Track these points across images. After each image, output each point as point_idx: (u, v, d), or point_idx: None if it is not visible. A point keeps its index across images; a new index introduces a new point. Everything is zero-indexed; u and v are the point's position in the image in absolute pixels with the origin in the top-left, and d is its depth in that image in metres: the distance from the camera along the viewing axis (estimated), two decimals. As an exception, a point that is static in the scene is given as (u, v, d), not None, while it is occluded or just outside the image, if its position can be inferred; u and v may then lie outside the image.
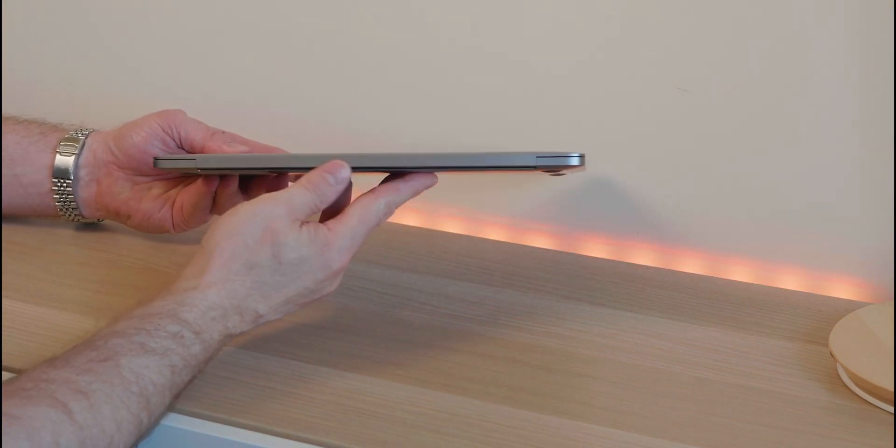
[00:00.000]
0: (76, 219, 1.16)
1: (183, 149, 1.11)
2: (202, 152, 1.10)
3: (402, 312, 1.09)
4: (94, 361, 0.87)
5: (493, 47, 1.18)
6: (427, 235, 1.23)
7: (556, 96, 1.18)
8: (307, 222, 0.97)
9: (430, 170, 1.01)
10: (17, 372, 0.92)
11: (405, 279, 1.14)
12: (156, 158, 1.07)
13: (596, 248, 1.21)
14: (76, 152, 1.13)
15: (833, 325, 1.04)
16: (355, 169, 1.00)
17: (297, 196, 0.97)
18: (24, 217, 1.18)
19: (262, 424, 0.93)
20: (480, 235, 1.24)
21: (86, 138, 1.14)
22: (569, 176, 1.19)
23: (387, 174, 1.02)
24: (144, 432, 0.89)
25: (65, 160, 1.13)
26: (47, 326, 1.03)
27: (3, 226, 1.17)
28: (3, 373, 0.97)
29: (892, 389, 0.95)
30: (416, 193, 1.01)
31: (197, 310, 0.93)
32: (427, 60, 1.21)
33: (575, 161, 0.99)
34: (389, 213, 1.00)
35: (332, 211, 1.02)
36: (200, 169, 1.05)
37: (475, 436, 0.92)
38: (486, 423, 0.94)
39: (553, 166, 1.00)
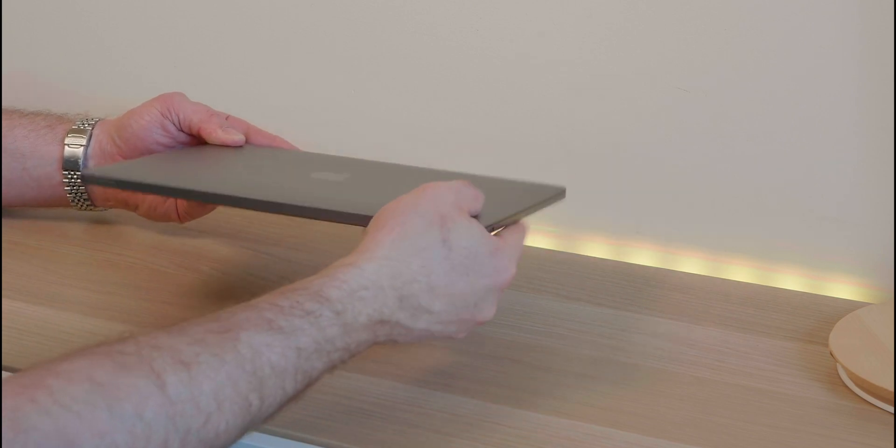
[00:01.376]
0: (87, 208, 1.17)
1: (183, 132, 1.11)
2: (198, 134, 1.10)
3: (402, 312, 1.09)
4: (211, 332, 0.79)
5: (493, 47, 1.18)
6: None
7: (556, 96, 1.18)
8: (476, 222, 0.91)
9: None
10: (17, 372, 0.92)
11: (405, 279, 1.14)
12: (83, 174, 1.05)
13: (596, 248, 1.21)
14: (84, 144, 1.14)
15: (833, 325, 1.04)
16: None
17: (465, 188, 0.92)
18: (35, 208, 1.18)
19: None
20: (480, 235, 1.24)
21: (92, 128, 1.14)
22: (568, 176, 1.19)
23: None
24: (256, 418, 0.79)
25: (74, 152, 1.14)
26: (47, 326, 1.03)
27: (4, 226, 1.17)
28: (4, 373, 0.97)
29: (892, 389, 0.95)
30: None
31: (347, 286, 0.84)
32: (427, 60, 1.21)
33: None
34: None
35: None
36: (115, 181, 1.01)
37: (475, 436, 0.92)
38: (486, 423, 0.94)
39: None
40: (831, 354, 1.00)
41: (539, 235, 1.22)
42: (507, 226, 0.95)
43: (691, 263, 1.19)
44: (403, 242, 0.87)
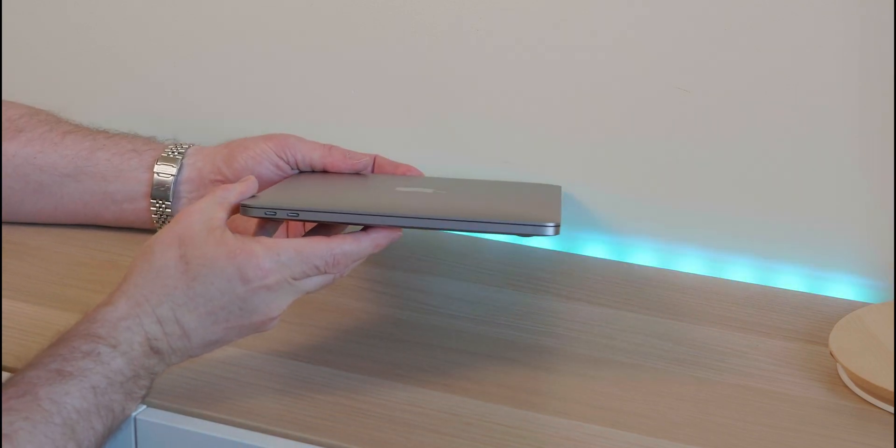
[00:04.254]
0: None
1: (297, 169, 1.11)
2: (323, 169, 1.10)
3: (402, 312, 1.09)
4: (13, 398, 0.85)
5: (493, 47, 1.18)
6: (427, 235, 1.23)
7: (555, 96, 1.18)
8: (223, 227, 0.93)
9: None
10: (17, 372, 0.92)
11: (405, 279, 1.14)
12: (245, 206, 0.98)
13: (596, 249, 1.21)
14: (174, 174, 1.13)
15: (833, 325, 1.04)
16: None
17: (222, 191, 0.95)
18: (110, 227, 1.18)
19: (262, 424, 0.93)
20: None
21: (183, 158, 1.14)
22: (568, 175, 1.19)
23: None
24: None
25: (164, 181, 1.13)
26: (47, 326, 1.03)
27: (4, 226, 1.17)
28: (3, 373, 0.97)
29: (892, 389, 0.95)
30: (379, 248, 0.96)
31: (108, 323, 0.90)
32: (427, 59, 1.21)
33: (550, 231, 0.97)
34: (338, 263, 0.93)
35: None
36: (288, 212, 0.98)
37: (475, 436, 0.92)
38: (486, 423, 0.94)
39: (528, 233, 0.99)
40: (831, 354, 1.00)
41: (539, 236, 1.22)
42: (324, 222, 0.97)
43: (691, 263, 1.19)
44: (146, 270, 0.92)
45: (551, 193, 1.12)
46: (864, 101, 1.09)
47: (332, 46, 1.24)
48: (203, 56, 1.29)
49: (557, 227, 0.96)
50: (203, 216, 0.93)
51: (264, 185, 1.09)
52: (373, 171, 1.13)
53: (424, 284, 1.14)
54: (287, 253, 0.92)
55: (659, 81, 1.14)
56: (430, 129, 1.23)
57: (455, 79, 1.21)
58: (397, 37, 1.21)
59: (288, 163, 1.11)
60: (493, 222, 0.96)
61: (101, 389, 0.88)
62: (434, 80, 1.22)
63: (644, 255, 1.20)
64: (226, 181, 1.12)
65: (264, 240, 0.93)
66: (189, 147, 1.15)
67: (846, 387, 0.99)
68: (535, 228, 0.96)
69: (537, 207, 1.05)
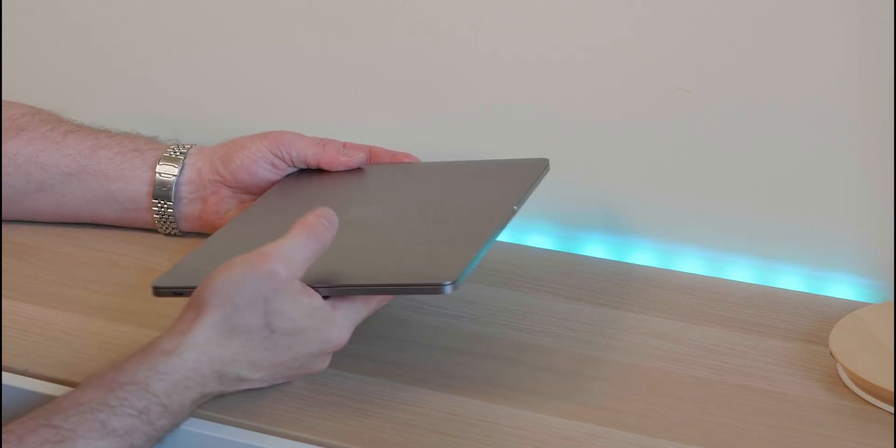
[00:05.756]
0: (173, 233, 1.16)
1: (292, 166, 1.12)
2: (318, 166, 1.11)
3: (402, 312, 1.09)
4: (49, 443, 0.83)
5: (492, 46, 1.18)
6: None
7: (555, 96, 1.18)
8: (308, 293, 0.92)
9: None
10: (17, 372, 0.93)
11: (405, 279, 1.14)
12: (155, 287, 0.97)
13: (596, 248, 1.21)
14: (176, 174, 1.14)
15: (833, 325, 1.04)
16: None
17: (296, 249, 0.92)
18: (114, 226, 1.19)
19: (262, 424, 0.93)
20: (480, 235, 1.24)
21: (185, 158, 1.14)
22: (568, 175, 1.19)
23: None
24: None
25: (166, 181, 1.13)
26: (47, 326, 1.03)
27: (4, 226, 1.17)
28: (3, 373, 0.97)
29: (892, 389, 0.95)
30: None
31: (170, 378, 0.89)
32: (426, 59, 1.21)
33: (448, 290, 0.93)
34: (384, 300, 0.98)
35: None
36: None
37: (475, 436, 0.92)
38: (486, 423, 0.94)
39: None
40: (831, 354, 1.00)
41: (539, 235, 1.22)
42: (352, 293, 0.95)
43: (691, 263, 1.19)
44: (223, 325, 0.91)
45: (522, 182, 1.08)
46: (864, 101, 1.09)
47: (332, 46, 1.24)
48: (203, 56, 1.29)
49: (455, 284, 0.92)
50: (289, 272, 0.91)
51: (262, 183, 1.10)
52: (370, 162, 1.13)
53: (424, 284, 1.14)
54: (359, 309, 0.95)
55: (659, 81, 1.14)
56: (430, 129, 1.23)
57: (455, 79, 1.21)
58: (397, 37, 1.21)
59: (283, 160, 1.11)
60: (386, 288, 0.95)
61: (138, 446, 0.87)
62: (434, 80, 1.22)
63: (644, 255, 1.20)
64: (224, 181, 1.12)
65: (338, 304, 0.94)
66: (191, 147, 1.15)
67: (846, 387, 0.99)
68: (430, 288, 0.93)
69: (443, 256, 0.98)
